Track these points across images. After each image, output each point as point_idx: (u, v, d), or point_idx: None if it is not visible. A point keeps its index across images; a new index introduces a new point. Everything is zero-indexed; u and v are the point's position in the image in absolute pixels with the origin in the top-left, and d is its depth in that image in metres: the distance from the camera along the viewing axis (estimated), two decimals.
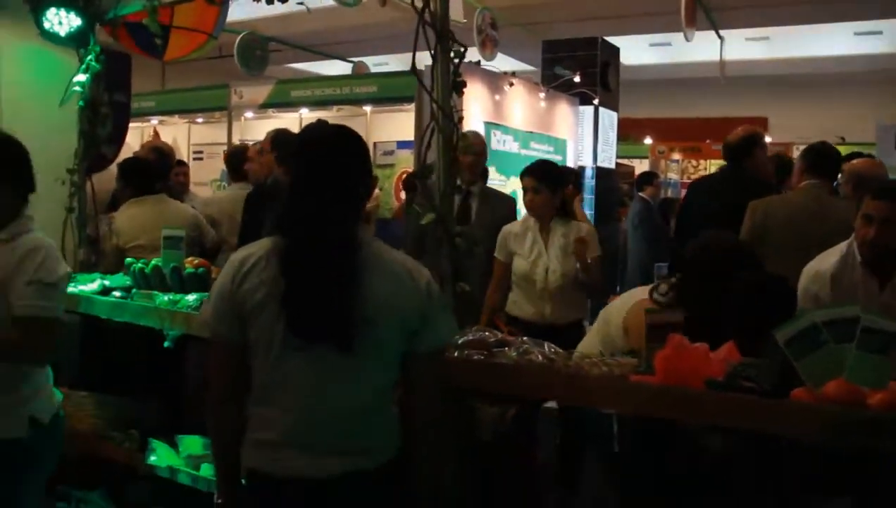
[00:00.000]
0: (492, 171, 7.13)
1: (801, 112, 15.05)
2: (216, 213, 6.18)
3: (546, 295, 4.85)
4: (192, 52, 7.00)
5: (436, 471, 2.37)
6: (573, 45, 9.85)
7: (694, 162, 15.79)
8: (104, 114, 4.97)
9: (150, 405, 4.15)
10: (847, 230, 3.50)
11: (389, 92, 8.53)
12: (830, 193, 4.73)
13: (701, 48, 11.62)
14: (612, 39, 10.38)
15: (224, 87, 9.79)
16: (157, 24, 5.02)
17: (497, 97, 8.07)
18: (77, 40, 4.92)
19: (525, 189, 5.02)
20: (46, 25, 4.79)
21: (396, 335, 2.27)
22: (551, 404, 4.32)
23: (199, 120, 10.62)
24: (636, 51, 13.37)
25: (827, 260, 3.48)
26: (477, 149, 5.58)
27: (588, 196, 9.32)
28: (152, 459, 3.71)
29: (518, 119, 8.54)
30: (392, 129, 8.97)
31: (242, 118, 10.03)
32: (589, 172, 9.69)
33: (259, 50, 11.05)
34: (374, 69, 13.13)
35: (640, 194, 9.59)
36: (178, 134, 10.54)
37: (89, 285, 4.10)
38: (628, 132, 13.98)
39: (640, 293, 3.12)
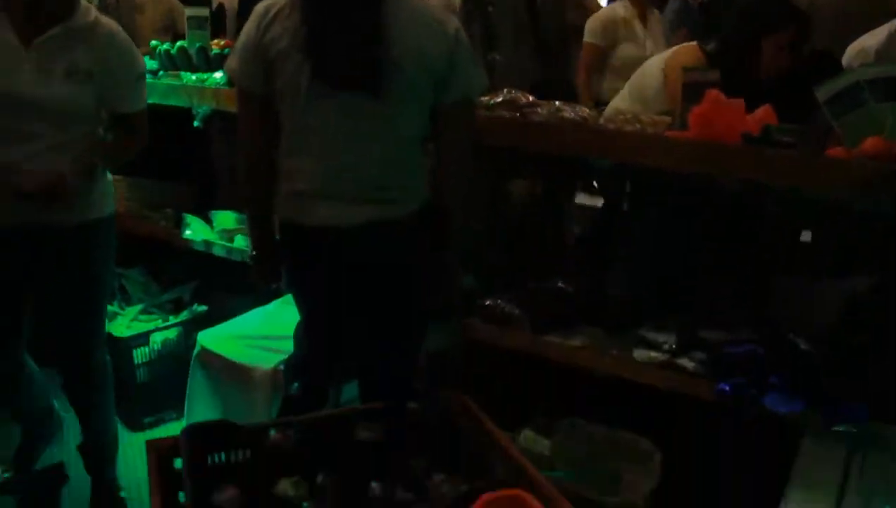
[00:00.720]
0: None
1: None
2: None
3: None
4: None
5: (464, 223, 2.37)
6: None
7: None
8: None
9: (183, 186, 4.20)
10: None
11: None
12: None
13: None
14: None
15: None
16: None
17: None
18: None
19: None
20: None
21: (424, 81, 2.18)
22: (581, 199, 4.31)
23: None
24: None
25: (874, 37, 3.33)
26: None
27: None
28: (187, 234, 3.79)
29: None
30: None
31: None
32: None
33: None
34: None
35: None
36: None
37: None
38: None
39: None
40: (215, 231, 3.74)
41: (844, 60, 3.32)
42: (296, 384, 2.55)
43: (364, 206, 2.23)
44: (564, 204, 3.47)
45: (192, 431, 2.01)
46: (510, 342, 2.75)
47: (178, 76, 3.75)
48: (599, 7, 5.32)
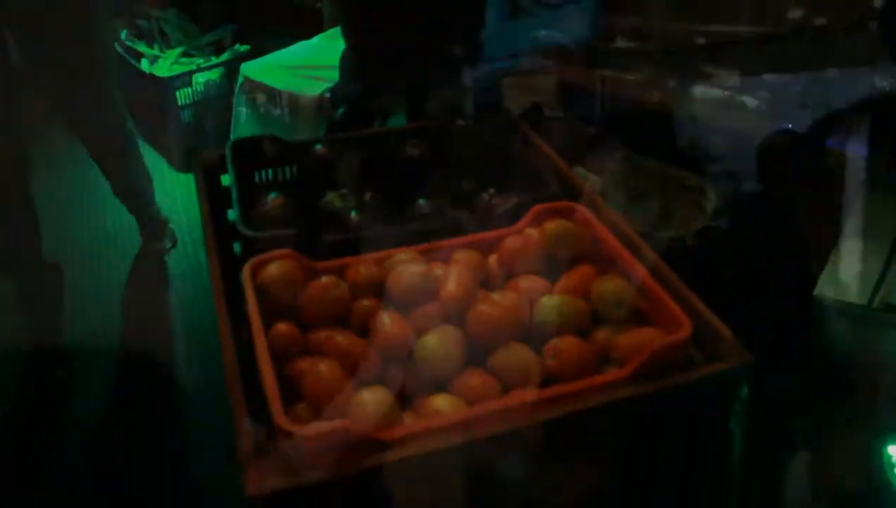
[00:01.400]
0: None
1: None
2: None
3: None
4: None
5: None
6: None
7: None
8: None
9: None
10: None
11: None
12: None
13: None
14: None
15: None
16: None
17: None
18: None
19: None
20: None
21: None
22: None
23: None
24: None
25: None
26: None
27: None
28: None
29: None
30: None
31: None
32: None
33: None
34: None
35: None
36: None
37: None
38: None
39: None
40: None
41: None
42: (341, 110, 2.46)
43: None
44: None
45: (239, 145, 1.95)
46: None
47: None
48: None
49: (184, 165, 3.74)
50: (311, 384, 1.84)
